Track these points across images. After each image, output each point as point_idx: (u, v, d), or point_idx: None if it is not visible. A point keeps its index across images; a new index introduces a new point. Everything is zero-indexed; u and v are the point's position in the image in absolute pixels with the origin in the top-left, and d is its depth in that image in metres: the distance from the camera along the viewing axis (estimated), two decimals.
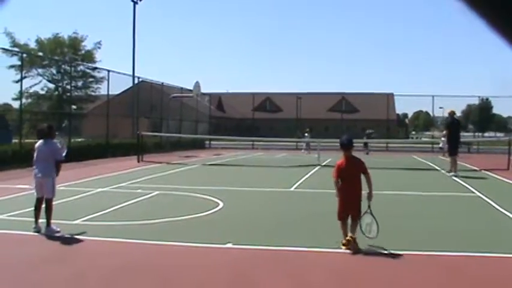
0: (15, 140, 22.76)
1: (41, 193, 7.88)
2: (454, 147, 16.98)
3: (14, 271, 5.85)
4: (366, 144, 30.98)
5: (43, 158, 7.86)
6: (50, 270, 5.90)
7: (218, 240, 7.19)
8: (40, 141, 8.03)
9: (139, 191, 12.36)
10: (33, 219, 7.77)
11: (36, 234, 7.56)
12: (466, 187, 13.77)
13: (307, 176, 16.61)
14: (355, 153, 7.17)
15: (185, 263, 6.22)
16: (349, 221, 6.82)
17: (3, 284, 5.50)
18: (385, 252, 6.63)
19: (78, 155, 21.66)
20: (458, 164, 17.18)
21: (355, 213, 6.78)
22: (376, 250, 6.68)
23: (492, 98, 44.45)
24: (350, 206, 6.78)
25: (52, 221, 7.74)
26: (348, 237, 6.66)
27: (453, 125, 17.25)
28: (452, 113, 17.52)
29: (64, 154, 8.40)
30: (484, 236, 7.73)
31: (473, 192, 12.58)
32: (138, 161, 22.02)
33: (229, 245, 6.94)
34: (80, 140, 28.48)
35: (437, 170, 19.41)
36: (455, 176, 16.10)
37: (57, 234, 7.56)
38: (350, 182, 6.81)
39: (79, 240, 7.26)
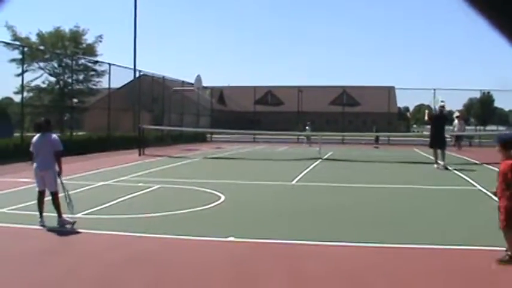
0: (16, 134, 22.78)
1: (42, 186, 7.89)
2: (431, 140, 17.70)
3: (16, 264, 5.87)
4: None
5: (42, 152, 7.87)
6: (52, 263, 5.92)
7: (220, 233, 7.20)
8: (37, 135, 8.05)
9: (140, 184, 12.36)
10: (35, 213, 7.79)
11: (40, 227, 7.57)
12: (468, 180, 13.76)
13: (308, 170, 16.60)
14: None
15: (186, 257, 6.24)
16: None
17: (5, 276, 5.51)
18: (386, 245, 6.65)
19: (79, 148, 21.68)
20: (459, 157, 17.38)
21: None
22: (375, 243, 6.69)
23: (494, 92, 44.26)
24: None
25: (52, 214, 7.74)
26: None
27: (434, 119, 18.00)
28: (440, 107, 18.72)
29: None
30: (486, 229, 7.71)
31: (475, 186, 12.57)
32: (140, 155, 22.03)
33: (231, 239, 6.95)
34: (81, 133, 28.49)
35: (439, 163, 19.37)
36: (438, 168, 16.84)
37: (68, 226, 7.60)
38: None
39: (80, 234, 7.29)
